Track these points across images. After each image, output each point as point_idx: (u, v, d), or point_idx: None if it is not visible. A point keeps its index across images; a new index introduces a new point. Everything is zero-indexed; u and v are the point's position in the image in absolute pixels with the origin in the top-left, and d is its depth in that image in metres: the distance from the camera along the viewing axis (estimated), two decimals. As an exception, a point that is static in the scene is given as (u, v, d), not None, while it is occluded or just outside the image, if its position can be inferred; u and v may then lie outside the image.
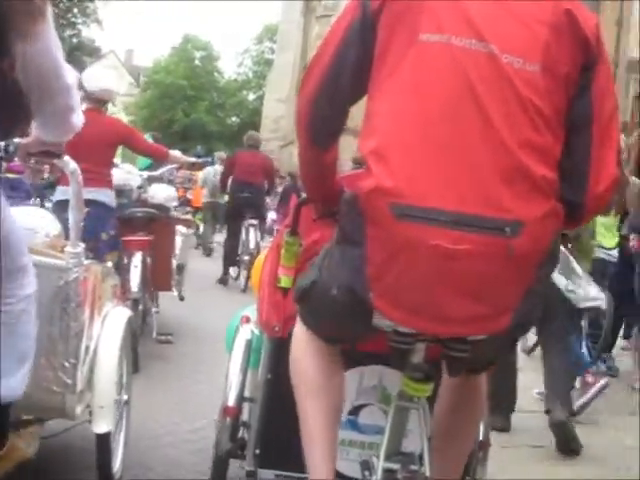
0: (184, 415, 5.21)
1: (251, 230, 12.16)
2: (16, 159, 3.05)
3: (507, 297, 2.24)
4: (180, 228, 7.91)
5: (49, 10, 2.45)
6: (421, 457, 2.46)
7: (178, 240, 7.84)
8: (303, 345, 2.63)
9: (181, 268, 7.91)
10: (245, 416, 3.38)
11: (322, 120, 2.45)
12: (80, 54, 37.48)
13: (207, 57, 55.01)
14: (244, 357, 3.40)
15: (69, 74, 2.60)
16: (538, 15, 2.28)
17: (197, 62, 54.35)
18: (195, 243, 17.37)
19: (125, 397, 3.88)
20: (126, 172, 7.47)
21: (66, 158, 3.02)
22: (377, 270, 2.22)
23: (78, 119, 2.75)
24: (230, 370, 3.40)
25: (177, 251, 7.90)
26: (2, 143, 2.98)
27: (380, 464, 2.44)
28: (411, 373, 2.45)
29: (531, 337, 7.90)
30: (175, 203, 9.00)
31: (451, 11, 2.25)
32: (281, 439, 2.95)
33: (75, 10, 36.65)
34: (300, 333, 2.65)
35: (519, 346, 6.41)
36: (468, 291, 2.19)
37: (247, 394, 3.38)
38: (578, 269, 5.93)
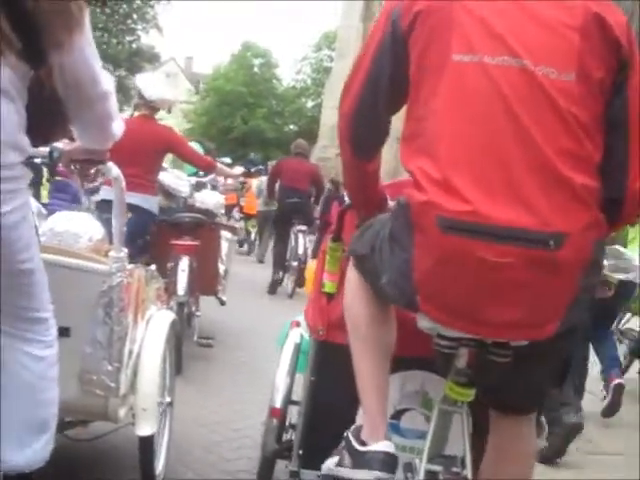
0: (225, 418, 5.23)
1: (300, 236, 12.21)
2: (60, 165, 3.07)
3: (553, 306, 2.25)
4: (225, 234, 7.91)
5: (86, 21, 2.47)
6: (463, 460, 2.48)
7: (224, 246, 7.84)
8: (353, 292, 2.69)
9: (225, 273, 7.91)
10: (293, 419, 3.41)
11: (363, 134, 2.54)
12: (139, 60, 37.79)
13: (266, 64, 55.06)
14: (292, 360, 3.45)
15: (106, 80, 2.63)
16: (568, 21, 2.26)
17: (256, 69, 54.46)
18: (246, 250, 17.44)
19: (168, 399, 3.90)
20: (175, 177, 7.51)
21: (109, 164, 3.04)
22: (423, 276, 2.26)
23: (118, 127, 2.76)
24: (278, 373, 3.44)
25: (223, 257, 7.88)
26: (47, 149, 3.02)
27: (423, 466, 2.47)
28: (455, 377, 2.48)
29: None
30: (222, 210, 9.05)
31: (480, 28, 2.26)
32: (324, 440, 2.95)
33: (135, 16, 36.88)
34: (353, 278, 2.70)
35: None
36: (512, 300, 2.20)
37: (296, 397, 3.40)
38: (623, 249, 5.87)
